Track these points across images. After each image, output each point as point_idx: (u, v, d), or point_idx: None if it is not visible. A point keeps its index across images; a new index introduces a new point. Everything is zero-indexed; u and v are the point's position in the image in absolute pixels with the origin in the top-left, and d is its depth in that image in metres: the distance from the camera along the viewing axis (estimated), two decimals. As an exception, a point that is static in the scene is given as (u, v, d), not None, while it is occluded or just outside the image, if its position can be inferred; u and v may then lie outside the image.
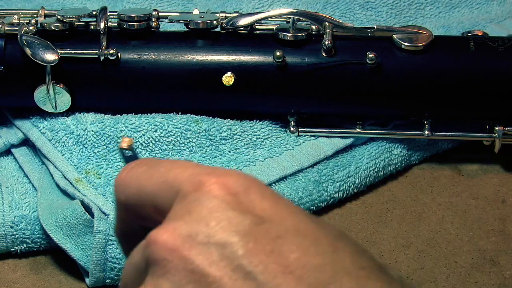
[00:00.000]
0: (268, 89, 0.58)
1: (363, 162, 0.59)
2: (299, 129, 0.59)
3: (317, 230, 0.33)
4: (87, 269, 0.52)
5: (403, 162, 0.60)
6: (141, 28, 0.59)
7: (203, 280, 0.32)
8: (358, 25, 0.61)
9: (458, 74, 0.58)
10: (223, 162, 0.57)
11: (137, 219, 0.38)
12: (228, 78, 0.57)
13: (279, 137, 0.59)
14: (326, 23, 0.58)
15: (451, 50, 0.58)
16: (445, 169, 0.61)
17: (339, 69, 0.58)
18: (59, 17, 0.58)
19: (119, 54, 0.57)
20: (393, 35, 0.58)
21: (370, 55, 0.57)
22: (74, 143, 0.57)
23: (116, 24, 0.59)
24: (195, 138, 0.58)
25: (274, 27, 0.59)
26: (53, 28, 0.58)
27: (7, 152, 0.59)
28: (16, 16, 0.60)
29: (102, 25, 0.58)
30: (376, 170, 0.59)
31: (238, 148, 0.58)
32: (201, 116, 0.59)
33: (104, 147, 0.57)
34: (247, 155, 0.58)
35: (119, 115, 0.58)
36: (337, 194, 0.58)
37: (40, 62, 0.56)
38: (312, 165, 0.58)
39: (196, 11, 0.61)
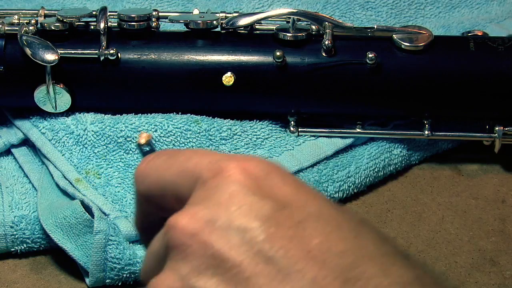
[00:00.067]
0: (268, 89, 0.58)
1: (363, 162, 0.59)
2: (299, 129, 0.59)
3: (339, 215, 0.33)
4: (87, 269, 0.52)
5: (403, 162, 0.60)
6: (141, 28, 0.59)
7: (223, 265, 0.31)
8: (358, 25, 0.61)
9: (458, 74, 0.58)
10: (223, 162, 0.57)
11: (158, 210, 0.37)
12: (228, 78, 0.57)
13: (279, 137, 0.59)
14: (326, 23, 0.58)
15: (451, 50, 0.58)
16: (445, 169, 0.61)
17: (339, 69, 0.58)
18: (59, 17, 0.58)
19: (119, 54, 0.57)
20: (393, 35, 0.58)
21: (370, 55, 0.57)
22: (74, 143, 0.57)
23: (116, 24, 0.59)
24: (195, 138, 0.58)
25: (274, 27, 0.59)
26: (53, 28, 0.58)
27: (7, 152, 0.59)
28: (16, 16, 0.60)
29: (102, 25, 0.58)
30: (376, 170, 0.59)
31: (238, 148, 0.58)
32: (201, 116, 0.59)
33: (104, 147, 0.57)
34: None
35: (119, 115, 0.58)
36: (337, 194, 0.58)
37: (40, 62, 0.56)
38: (312, 165, 0.58)
39: (196, 11, 0.61)
